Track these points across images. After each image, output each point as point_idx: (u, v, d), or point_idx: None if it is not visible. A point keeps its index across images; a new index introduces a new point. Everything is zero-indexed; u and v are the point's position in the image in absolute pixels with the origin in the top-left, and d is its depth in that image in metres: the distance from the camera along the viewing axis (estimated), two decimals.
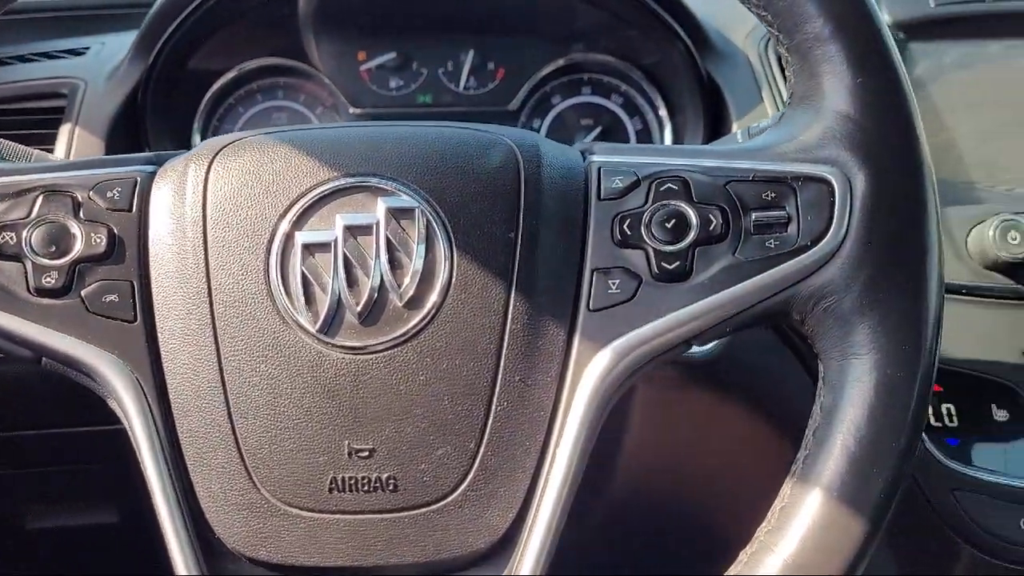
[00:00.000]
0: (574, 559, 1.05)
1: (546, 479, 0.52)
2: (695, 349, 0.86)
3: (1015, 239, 0.83)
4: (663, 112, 1.03)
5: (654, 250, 0.53)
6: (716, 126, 0.99)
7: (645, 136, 1.05)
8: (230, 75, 1.02)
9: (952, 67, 0.96)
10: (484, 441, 0.52)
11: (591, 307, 0.53)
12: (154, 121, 0.98)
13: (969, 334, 0.86)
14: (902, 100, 0.53)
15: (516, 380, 0.52)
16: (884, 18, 0.96)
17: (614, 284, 0.53)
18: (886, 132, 0.53)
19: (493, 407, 0.52)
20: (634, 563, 1.07)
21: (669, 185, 0.54)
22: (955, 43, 0.97)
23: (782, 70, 0.98)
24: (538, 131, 1.06)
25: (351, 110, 1.04)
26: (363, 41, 1.06)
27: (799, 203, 0.53)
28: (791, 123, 0.56)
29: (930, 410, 0.87)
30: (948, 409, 0.87)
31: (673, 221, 0.53)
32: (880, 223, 0.52)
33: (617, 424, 0.96)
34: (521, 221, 0.53)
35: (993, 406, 0.86)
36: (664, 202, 0.54)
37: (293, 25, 1.03)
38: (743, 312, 0.53)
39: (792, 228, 0.53)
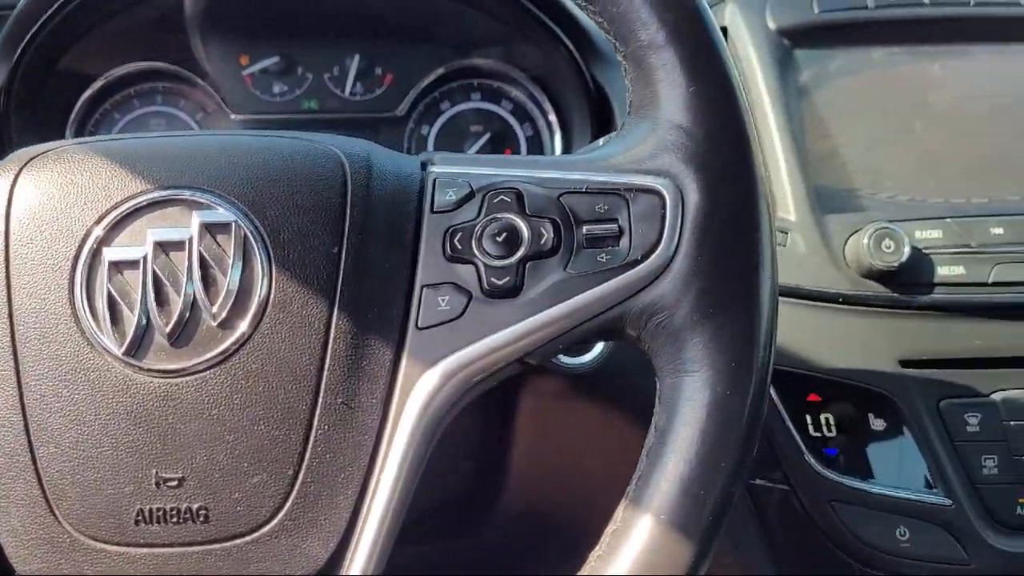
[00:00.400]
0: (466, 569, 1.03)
1: (370, 505, 0.49)
2: (573, 360, 0.85)
3: (889, 247, 0.83)
4: (553, 118, 1.02)
5: (484, 265, 0.51)
6: (603, 132, 0.97)
7: (536, 142, 1.03)
8: (99, 82, 0.98)
9: (837, 74, 0.96)
10: (303, 467, 0.49)
11: (419, 325, 0.51)
12: (20, 129, 0.93)
13: (846, 343, 0.86)
14: (735, 109, 0.52)
15: (338, 403, 0.49)
16: (769, 25, 0.96)
17: (443, 301, 0.51)
18: (718, 142, 0.51)
19: (313, 431, 0.49)
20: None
21: (503, 197, 0.52)
22: (840, 50, 0.97)
23: None
24: (427, 137, 1.04)
25: (232, 116, 1.01)
26: (245, 44, 1.02)
27: (631, 216, 0.51)
28: (629, 133, 0.54)
29: (808, 420, 0.87)
30: (827, 419, 0.86)
31: (504, 235, 0.51)
32: (711, 236, 0.50)
33: (504, 436, 0.94)
34: (347, 235, 0.51)
35: (871, 415, 0.86)
36: (497, 215, 0.52)
37: (172, 26, 0.99)
38: (575, 328, 0.51)
39: (624, 242, 0.51)
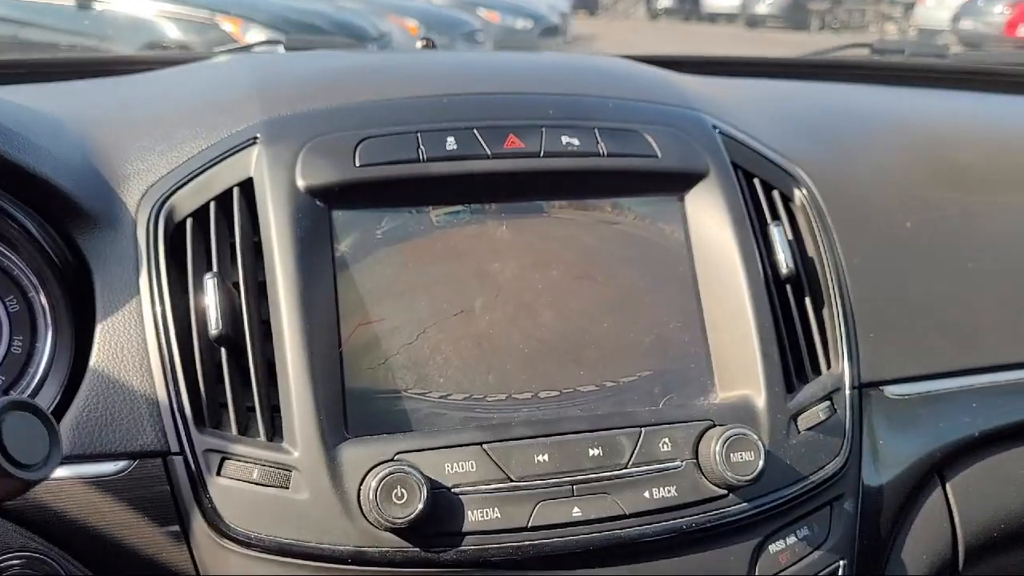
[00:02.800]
0: None
1: None
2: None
3: (401, 497, 0.66)
4: (41, 290, 0.79)
5: None
6: (85, 309, 0.76)
7: (22, 318, 0.80)
8: None
9: (385, 241, 0.79)
10: None
11: None
12: None
13: None
14: None
15: None
16: (299, 183, 0.77)
17: None
18: None
19: None
20: None
21: None
22: (389, 211, 0.79)
23: (169, 243, 0.76)
24: None
25: None
26: None
27: None
28: None
29: None
30: None
31: None
32: None
33: None
34: None
35: None
36: None
37: None
38: None
39: None
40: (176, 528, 0.70)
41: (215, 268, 0.75)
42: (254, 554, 0.68)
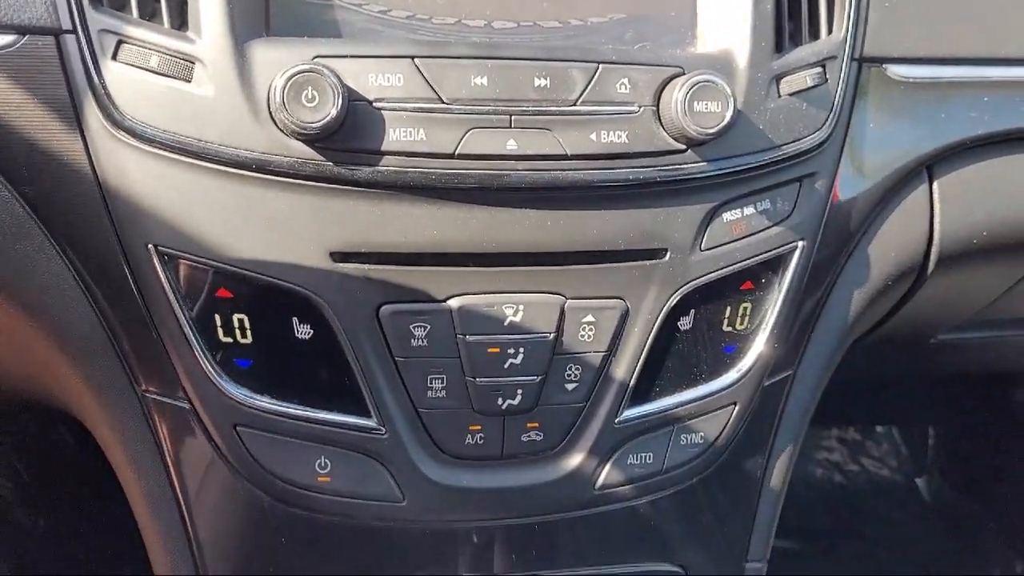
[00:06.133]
0: None
1: None
2: None
3: (311, 99, 0.59)
4: None
5: None
6: None
7: None
8: None
9: None
10: None
11: None
12: None
13: (265, 225, 0.63)
14: None
15: None
16: None
17: None
18: None
19: None
20: None
21: None
22: None
23: None
24: None
25: None
26: None
27: None
28: None
29: (218, 321, 0.66)
30: (241, 321, 0.65)
31: None
32: None
33: None
34: None
35: (295, 320, 0.65)
36: None
37: None
38: None
39: None
40: (70, 114, 0.63)
41: None
42: (150, 149, 0.62)
